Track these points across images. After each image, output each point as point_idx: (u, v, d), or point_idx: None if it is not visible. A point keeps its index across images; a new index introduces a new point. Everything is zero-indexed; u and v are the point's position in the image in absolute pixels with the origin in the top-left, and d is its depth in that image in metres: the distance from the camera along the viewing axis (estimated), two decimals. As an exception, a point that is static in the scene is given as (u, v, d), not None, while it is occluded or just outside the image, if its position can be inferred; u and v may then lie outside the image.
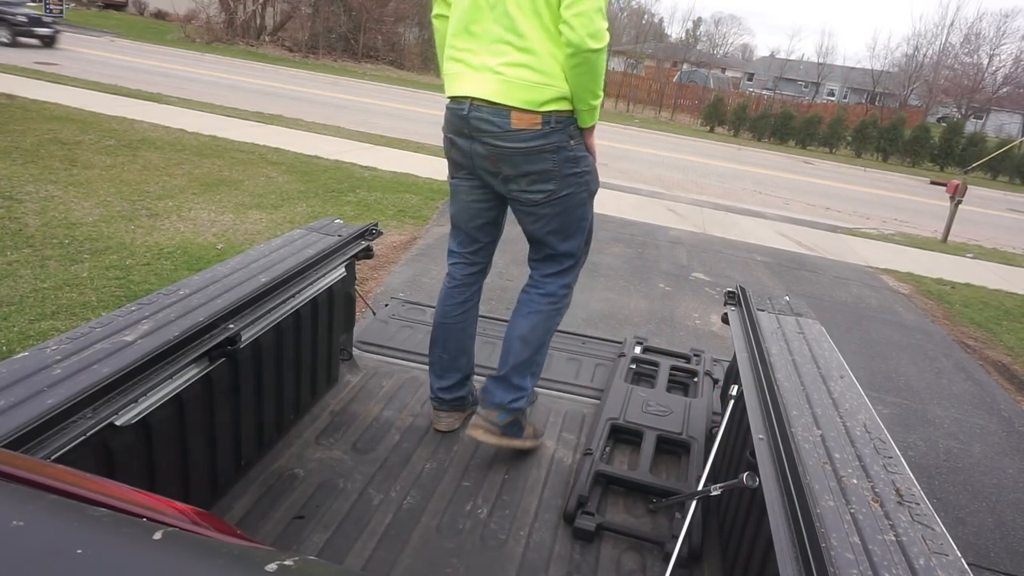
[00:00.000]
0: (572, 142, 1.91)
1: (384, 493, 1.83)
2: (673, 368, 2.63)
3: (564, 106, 1.86)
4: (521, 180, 1.94)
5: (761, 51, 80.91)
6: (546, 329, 2.08)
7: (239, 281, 1.72)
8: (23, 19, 15.53)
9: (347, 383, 2.36)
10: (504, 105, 1.84)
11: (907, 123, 21.61)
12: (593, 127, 1.95)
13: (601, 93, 1.89)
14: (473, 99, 1.88)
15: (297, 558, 0.55)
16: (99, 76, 12.07)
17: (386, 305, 3.04)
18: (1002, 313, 5.85)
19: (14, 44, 15.09)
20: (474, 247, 2.18)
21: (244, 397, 1.71)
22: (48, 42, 15.93)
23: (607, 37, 1.80)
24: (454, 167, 2.08)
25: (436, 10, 2.07)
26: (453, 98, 1.95)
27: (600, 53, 1.79)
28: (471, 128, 1.91)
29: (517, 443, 2.07)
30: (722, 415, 1.73)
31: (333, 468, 1.91)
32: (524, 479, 1.96)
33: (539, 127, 1.86)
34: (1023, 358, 4.84)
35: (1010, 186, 19.42)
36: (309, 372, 2.09)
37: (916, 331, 5.07)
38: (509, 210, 2.12)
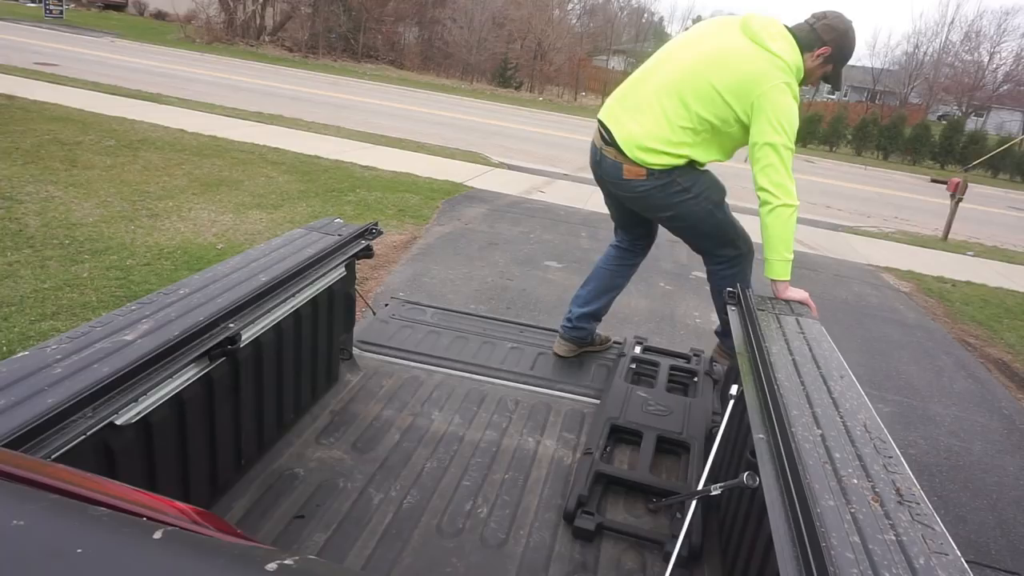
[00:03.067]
0: (678, 179, 2.29)
1: (384, 492, 1.83)
2: (673, 368, 2.63)
3: (666, 166, 2.26)
4: (646, 211, 2.48)
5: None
6: (717, 291, 2.53)
7: (239, 281, 1.72)
8: None
9: (347, 383, 2.36)
10: (621, 156, 2.28)
11: (907, 121, 21.60)
12: (785, 282, 2.21)
13: (792, 249, 2.20)
14: (603, 146, 2.36)
15: (297, 557, 0.55)
16: (99, 77, 12.07)
17: (386, 305, 3.04)
18: (1003, 311, 5.85)
19: None
20: (628, 236, 2.70)
21: (244, 396, 1.71)
22: None
23: (796, 197, 2.14)
24: (596, 182, 2.55)
25: None
26: (600, 125, 2.40)
27: (787, 208, 2.13)
28: (600, 170, 2.43)
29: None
30: (722, 415, 1.73)
31: (333, 468, 1.91)
32: (524, 479, 1.96)
33: (644, 177, 2.29)
34: (1023, 356, 4.85)
35: (1011, 184, 19.40)
36: (309, 372, 2.09)
37: (917, 329, 5.07)
38: None
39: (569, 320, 2.69)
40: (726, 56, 2.18)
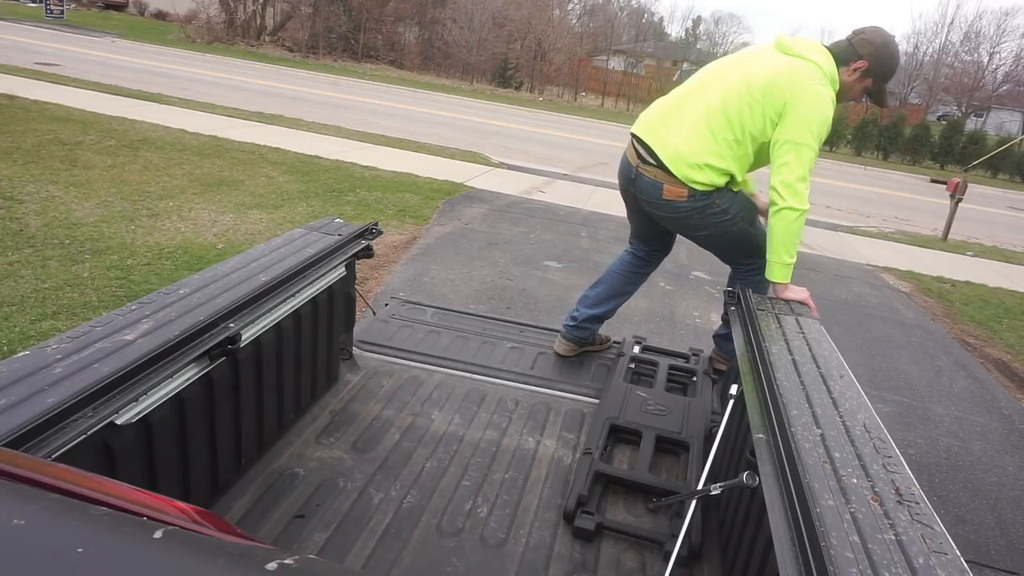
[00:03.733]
0: (717, 201, 2.30)
1: (384, 492, 1.83)
2: (672, 367, 2.63)
3: (709, 186, 2.26)
4: (680, 229, 2.47)
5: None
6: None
7: (239, 280, 1.72)
8: None
9: (347, 383, 2.36)
10: (663, 172, 2.28)
11: (907, 121, 21.58)
12: (784, 285, 2.20)
13: (795, 253, 2.20)
14: (640, 164, 2.36)
15: (297, 557, 0.55)
16: (100, 76, 12.07)
17: (386, 305, 3.04)
18: (1002, 311, 5.85)
19: None
20: (645, 247, 2.72)
21: (244, 396, 1.71)
22: None
23: (806, 201, 2.14)
24: (623, 196, 2.58)
25: None
26: (635, 139, 2.41)
27: (792, 212, 2.12)
28: (635, 187, 2.42)
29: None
30: (722, 414, 1.73)
31: (333, 467, 1.91)
32: (524, 479, 1.96)
33: (685, 198, 2.29)
34: (1023, 356, 4.84)
35: (1010, 184, 19.40)
36: (309, 371, 2.09)
37: (916, 329, 5.07)
38: None
39: (574, 319, 2.70)
40: (769, 69, 2.21)
